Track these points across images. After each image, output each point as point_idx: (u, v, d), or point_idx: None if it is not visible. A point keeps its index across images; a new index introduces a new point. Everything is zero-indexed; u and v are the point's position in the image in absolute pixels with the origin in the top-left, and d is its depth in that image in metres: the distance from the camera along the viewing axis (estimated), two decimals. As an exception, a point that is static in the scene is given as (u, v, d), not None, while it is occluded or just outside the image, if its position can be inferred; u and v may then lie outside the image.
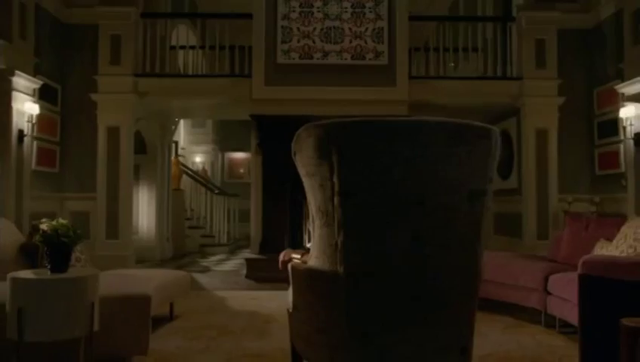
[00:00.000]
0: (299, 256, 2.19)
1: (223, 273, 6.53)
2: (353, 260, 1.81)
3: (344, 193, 1.77)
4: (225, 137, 13.04)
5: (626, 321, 1.87)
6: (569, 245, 3.91)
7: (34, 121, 5.65)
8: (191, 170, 10.97)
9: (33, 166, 5.84)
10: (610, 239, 3.35)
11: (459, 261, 1.91)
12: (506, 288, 3.87)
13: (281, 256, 2.36)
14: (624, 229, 3.16)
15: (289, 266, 2.18)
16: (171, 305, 3.76)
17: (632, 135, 5.53)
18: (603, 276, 2.15)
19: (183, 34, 7.85)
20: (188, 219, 9.47)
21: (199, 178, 10.62)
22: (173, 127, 8.77)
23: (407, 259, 1.81)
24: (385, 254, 1.80)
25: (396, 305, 1.83)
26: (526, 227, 6.61)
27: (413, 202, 1.79)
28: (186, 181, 10.07)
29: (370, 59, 6.59)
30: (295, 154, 2.00)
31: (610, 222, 3.62)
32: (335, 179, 1.80)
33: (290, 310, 2.27)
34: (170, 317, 3.73)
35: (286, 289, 2.39)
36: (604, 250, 3.30)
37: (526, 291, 3.68)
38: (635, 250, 2.91)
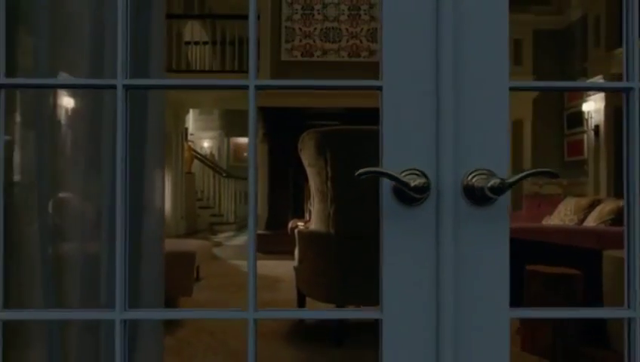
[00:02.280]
0: (303, 224, 3.02)
1: (233, 247, 7.39)
2: (340, 225, 2.63)
3: (334, 178, 2.59)
4: (230, 123, 13.80)
5: (529, 267, 2.70)
6: (526, 220, 4.74)
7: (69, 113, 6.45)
8: (200, 154, 11.78)
9: (67, 152, 6.66)
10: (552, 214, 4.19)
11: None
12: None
13: (290, 224, 3.18)
14: (560, 206, 3.99)
15: (295, 231, 3.01)
16: (197, 268, 4.60)
17: (593, 126, 6.33)
18: (516, 238, 2.97)
19: (196, 30, 8.59)
20: (199, 199, 10.32)
21: (208, 162, 11.43)
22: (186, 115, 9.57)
23: (376, 224, 2.63)
24: (361, 221, 2.62)
25: (369, 254, 2.65)
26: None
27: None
28: (196, 165, 10.89)
29: (364, 56, 7.35)
30: (301, 150, 2.80)
31: (555, 201, 4.45)
32: (328, 169, 2.61)
33: (296, 264, 3.10)
34: (197, 278, 4.58)
35: (290, 259, 3.21)
36: (546, 222, 4.12)
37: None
38: (564, 221, 3.74)
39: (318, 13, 7.34)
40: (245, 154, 14.48)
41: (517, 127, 7.34)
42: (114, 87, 0.84)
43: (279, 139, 6.92)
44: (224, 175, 10.77)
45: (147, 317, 1.11)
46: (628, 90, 0.86)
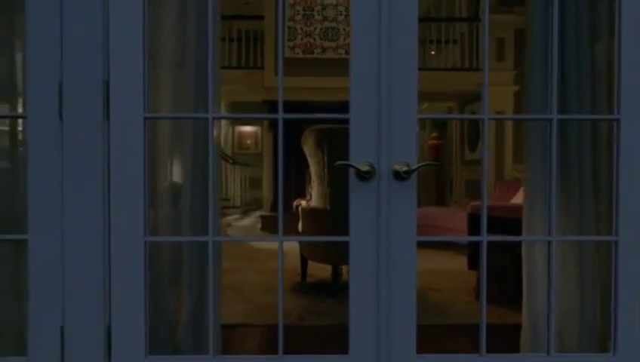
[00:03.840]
0: (305, 202, 3.76)
1: (242, 227, 8.15)
2: (334, 202, 3.37)
3: (329, 166, 3.32)
4: (234, 113, 14.48)
5: (483, 235, 3.45)
6: (496, 200, 5.47)
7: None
8: (207, 142, 12.49)
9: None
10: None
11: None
12: (450, 231, 5.46)
13: (294, 203, 3.92)
14: (522, 189, 4.71)
15: (299, 208, 3.74)
16: (214, 243, 5.35)
17: (565, 118, 7.04)
18: (478, 213, 3.71)
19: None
20: (207, 185, 11.06)
21: (215, 150, 12.15)
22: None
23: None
24: (351, 199, 3.36)
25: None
26: (486, 191, 8.17)
27: (367, 171, 3.35)
28: (204, 153, 11.60)
29: (360, 53, 8.02)
30: (303, 144, 3.53)
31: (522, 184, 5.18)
32: (325, 159, 3.34)
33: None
34: (214, 251, 5.33)
35: (293, 236, 3.94)
36: (512, 201, 4.86)
37: (460, 232, 5.27)
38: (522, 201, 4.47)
39: (318, 14, 8.00)
40: (249, 141, 15.20)
41: (499, 118, 8.04)
42: (206, 118, 1.57)
43: (284, 129, 7.64)
44: (230, 162, 11.49)
45: (226, 240, 1.84)
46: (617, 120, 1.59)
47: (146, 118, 1.54)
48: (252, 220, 9.07)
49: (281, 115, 1.62)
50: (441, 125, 10.23)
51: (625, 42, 1.56)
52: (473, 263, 3.58)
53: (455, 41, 8.59)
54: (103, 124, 1.52)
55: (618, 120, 1.56)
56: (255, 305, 3.31)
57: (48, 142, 1.51)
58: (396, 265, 1.55)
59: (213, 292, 1.63)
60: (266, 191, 8.18)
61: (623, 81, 1.56)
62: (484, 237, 1.60)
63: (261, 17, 8.05)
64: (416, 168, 1.51)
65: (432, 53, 9.59)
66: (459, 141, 9.61)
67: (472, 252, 3.58)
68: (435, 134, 9.94)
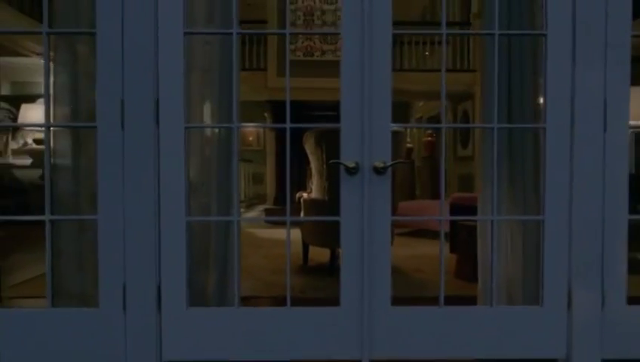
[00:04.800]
0: (306, 194, 4.26)
1: (246, 220, 8.65)
2: (332, 194, 3.87)
3: (327, 163, 3.82)
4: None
5: (459, 223, 3.95)
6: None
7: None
8: (211, 139, 12.96)
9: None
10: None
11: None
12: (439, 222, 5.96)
13: (297, 195, 4.42)
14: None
15: (301, 200, 4.24)
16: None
17: (549, 117, 7.53)
18: (457, 203, 4.21)
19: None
20: (212, 180, 11.55)
21: (219, 146, 12.63)
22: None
23: (357, 193, 3.87)
24: (347, 191, 3.86)
25: (352, 214, 3.89)
26: (477, 186, 8.67)
27: (360, 167, 3.84)
28: (208, 149, 12.08)
29: (357, 56, 8.49)
30: (305, 143, 4.03)
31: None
32: (324, 156, 3.84)
33: (302, 224, 4.34)
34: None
35: (294, 228, 4.44)
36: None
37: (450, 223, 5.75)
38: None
39: (318, 19, 8.48)
40: (251, 138, 15.69)
41: (489, 116, 8.51)
42: (232, 126, 2.07)
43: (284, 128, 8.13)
44: (234, 158, 11.98)
45: (246, 220, 2.33)
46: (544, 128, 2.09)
47: (186, 128, 2.03)
48: (256, 214, 9.56)
49: (288, 125, 2.11)
50: (435, 123, 10.69)
51: (550, 67, 2.04)
52: (454, 247, 4.07)
53: (447, 43, 9.08)
54: (154, 132, 2.01)
55: (544, 128, 2.05)
56: (263, 282, 3.81)
57: (113, 145, 2.01)
58: (375, 239, 2.04)
59: (237, 259, 2.13)
60: (269, 187, 8.68)
61: (548, 98, 2.05)
62: (442, 217, 2.10)
63: (264, 21, 8.52)
64: (391, 165, 2.01)
65: (427, 53, 10.08)
66: (452, 138, 10.10)
67: (453, 237, 4.07)
68: (429, 132, 10.42)
